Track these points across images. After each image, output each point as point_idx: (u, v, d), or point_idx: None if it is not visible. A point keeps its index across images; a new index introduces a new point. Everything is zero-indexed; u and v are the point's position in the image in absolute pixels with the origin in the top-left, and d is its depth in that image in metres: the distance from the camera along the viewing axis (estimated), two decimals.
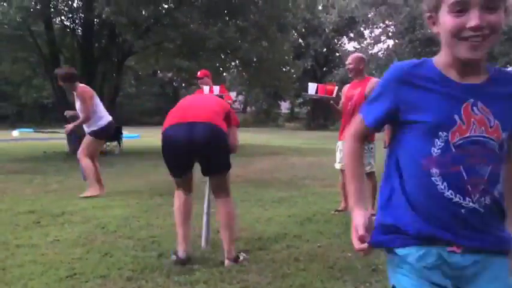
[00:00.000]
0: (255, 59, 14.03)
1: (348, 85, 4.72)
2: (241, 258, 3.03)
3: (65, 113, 6.01)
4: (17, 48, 11.90)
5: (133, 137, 17.70)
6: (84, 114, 5.56)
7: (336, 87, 4.46)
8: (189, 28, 11.55)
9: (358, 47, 37.70)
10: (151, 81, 37.67)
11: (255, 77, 15.69)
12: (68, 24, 12.52)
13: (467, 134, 1.06)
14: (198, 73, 6.60)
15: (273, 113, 42.61)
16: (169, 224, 4.05)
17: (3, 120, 29.16)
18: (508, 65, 25.02)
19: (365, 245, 1.15)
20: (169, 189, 5.87)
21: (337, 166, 4.69)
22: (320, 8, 35.21)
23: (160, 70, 26.15)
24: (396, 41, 33.16)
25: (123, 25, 10.07)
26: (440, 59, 1.13)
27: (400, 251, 1.14)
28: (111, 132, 6.18)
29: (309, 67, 35.60)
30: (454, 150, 1.07)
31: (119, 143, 12.97)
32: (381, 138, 4.45)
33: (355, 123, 1.27)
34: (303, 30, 36.62)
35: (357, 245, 1.18)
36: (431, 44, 31.34)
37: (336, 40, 39.25)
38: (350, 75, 4.66)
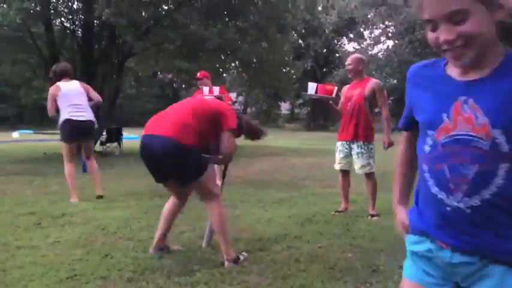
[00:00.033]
0: (254, 60, 14.04)
1: (348, 86, 4.72)
2: (241, 258, 3.03)
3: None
4: (17, 50, 11.92)
5: (133, 138, 17.68)
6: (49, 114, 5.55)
7: (336, 88, 4.46)
8: (189, 29, 11.56)
9: (358, 47, 37.74)
10: (152, 83, 37.69)
11: (255, 77, 15.70)
12: (68, 25, 12.53)
13: (452, 133, 1.05)
14: (198, 74, 6.61)
15: (273, 114, 42.67)
16: None
17: (3, 122, 29.18)
18: None
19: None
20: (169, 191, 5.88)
21: (337, 167, 4.69)
22: (320, 8, 35.27)
23: (160, 71, 26.18)
24: (396, 41, 33.19)
25: (123, 26, 10.08)
26: None
27: (407, 237, 1.28)
28: (73, 132, 5.38)
29: (308, 68, 35.64)
30: (440, 148, 1.08)
31: (119, 144, 12.97)
32: (381, 139, 4.46)
33: None
34: (303, 31, 36.67)
35: (403, 235, 1.34)
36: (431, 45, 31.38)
37: (335, 41, 39.32)
38: (349, 76, 4.66)
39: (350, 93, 4.54)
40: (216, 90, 6.01)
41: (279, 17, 13.65)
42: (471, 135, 1.03)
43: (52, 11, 11.14)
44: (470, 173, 1.02)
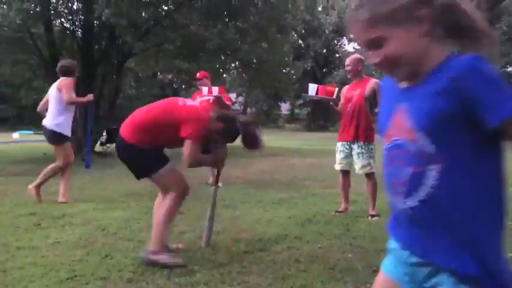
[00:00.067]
0: (254, 60, 14.05)
1: (347, 86, 4.72)
2: (165, 258, 2.94)
3: None
4: (17, 51, 11.91)
5: None
6: None
7: (336, 89, 4.46)
8: (189, 30, 11.57)
9: (358, 47, 37.73)
10: (151, 83, 37.62)
11: (255, 78, 15.71)
12: (68, 26, 12.53)
13: (393, 138, 1.10)
14: (198, 74, 6.61)
15: (273, 114, 42.67)
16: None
17: (3, 123, 29.18)
18: (508, 65, 25.06)
19: None
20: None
21: (337, 167, 4.69)
22: (320, 9, 35.28)
23: (160, 72, 26.18)
24: None
25: (123, 27, 10.09)
26: None
27: None
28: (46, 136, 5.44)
29: (308, 68, 35.64)
30: (386, 153, 1.13)
31: None
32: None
33: None
34: (303, 31, 36.68)
35: None
36: None
37: (335, 41, 39.33)
38: (349, 77, 4.67)
39: (350, 94, 4.54)
40: (215, 90, 6.02)
41: (279, 18, 13.66)
42: (404, 139, 1.06)
43: (52, 12, 11.14)
44: (406, 176, 1.06)
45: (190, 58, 13.42)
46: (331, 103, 4.52)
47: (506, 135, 0.99)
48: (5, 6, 9.79)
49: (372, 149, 4.47)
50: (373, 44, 1.05)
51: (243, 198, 5.41)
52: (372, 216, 4.40)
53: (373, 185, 4.51)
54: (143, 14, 11.99)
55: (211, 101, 6.13)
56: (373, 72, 27.16)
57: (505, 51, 22.55)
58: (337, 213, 4.57)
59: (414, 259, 1.09)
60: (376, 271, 2.97)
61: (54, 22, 12.07)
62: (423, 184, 1.03)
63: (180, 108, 3.12)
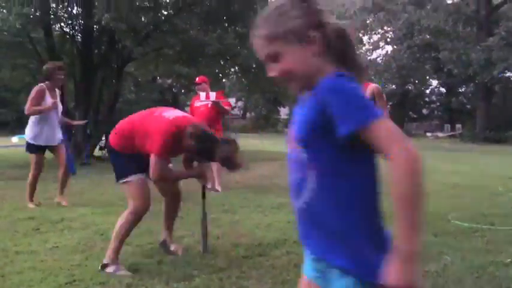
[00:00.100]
0: (254, 65, 14.05)
1: None
2: (114, 270, 2.93)
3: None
4: (16, 55, 11.92)
5: None
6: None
7: None
8: (189, 34, 11.58)
9: (357, 52, 37.81)
10: (151, 88, 37.68)
11: (254, 83, 15.70)
12: (68, 30, 12.54)
13: (290, 148, 1.23)
14: (197, 79, 6.62)
15: (272, 119, 42.67)
16: None
17: (2, 127, 29.15)
18: (507, 70, 25.10)
19: None
20: None
21: None
22: None
23: (159, 76, 26.21)
24: (395, 46, 33.30)
25: (122, 31, 10.10)
26: None
27: None
28: None
29: None
30: (288, 161, 1.25)
31: None
32: None
33: None
34: None
35: None
36: (429, 50, 31.48)
37: None
38: None
39: None
40: (213, 95, 6.02)
41: None
42: (294, 149, 1.20)
43: (52, 16, 11.15)
44: (296, 181, 1.19)
45: (189, 63, 13.44)
46: None
47: (362, 143, 1.05)
48: (4, 11, 9.82)
49: None
50: (271, 59, 1.18)
51: (242, 203, 5.41)
52: None
53: None
54: (143, 19, 12.02)
55: (209, 105, 6.14)
56: (372, 78, 27.21)
57: (504, 57, 22.54)
58: None
59: (312, 255, 1.21)
60: None
61: (54, 27, 12.08)
62: (305, 188, 1.16)
63: (153, 118, 3.05)
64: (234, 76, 18.62)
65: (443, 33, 27.59)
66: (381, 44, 36.00)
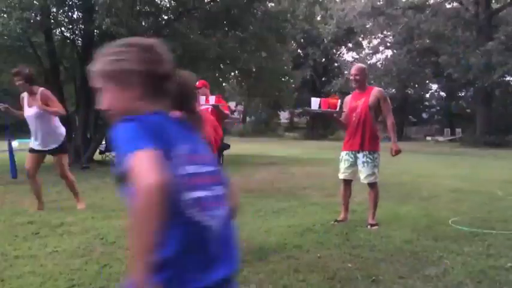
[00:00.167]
0: (254, 69, 14.09)
1: (350, 96, 4.71)
2: None
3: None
4: (17, 60, 11.93)
5: None
6: (59, 110, 5.13)
7: (339, 100, 4.44)
8: (189, 39, 11.61)
9: (356, 57, 37.91)
10: None
11: (255, 87, 15.75)
12: (68, 35, 12.57)
13: None
14: (197, 83, 6.62)
15: (272, 123, 42.70)
16: None
17: (2, 131, 29.20)
18: (506, 75, 25.13)
19: None
20: None
21: (341, 176, 4.66)
22: (318, 18, 35.43)
23: None
24: (394, 51, 33.36)
25: (123, 36, 10.10)
26: None
27: None
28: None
29: (307, 77, 35.74)
30: None
31: None
32: (388, 147, 4.44)
33: None
34: (302, 40, 36.81)
35: None
36: (429, 54, 31.54)
37: (334, 50, 39.48)
38: (354, 86, 4.63)
39: (354, 104, 4.52)
40: (212, 99, 6.02)
41: (279, 27, 13.72)
42: None
43: (52, 21, 11.18)
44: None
45: (190, 67, 13.44)
46: (334, 115, 4.51)
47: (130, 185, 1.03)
48: (5, 15, 9.82)
49: (376, 158, 4.46)
50: (99, 92, 1.25)
51: (242, 207, 5.39)
52: (372, 225, 4.39)
53: (375, 194, 4.50)
54: (143, 24, 12.05)
55: (209, 109, 6.14)
56: (372, 82, 27.28)
57: (503, 61, 22.56)
58: (336, 223, 4.55)
59: None
60: (375, 281, 2.99)
61: (55, 31, 12.11)
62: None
63: None
64: (234, 80, 18.66)
65: (443, 37, 27.65)
66: (381, 48, 36.05)
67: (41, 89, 5.19)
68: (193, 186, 1.14)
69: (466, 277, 2.92)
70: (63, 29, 12.32)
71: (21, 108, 5.30)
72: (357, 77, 4.52)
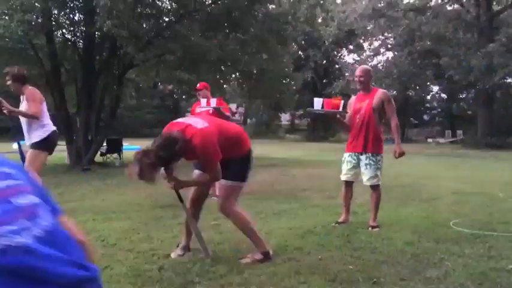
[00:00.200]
0: (255, 71, 14.10)
1: (354, 97, 4.70)
2: None
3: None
4: (18, 62, 11.94)
5: (134, 148, 17.69)
6: (33, 112, 4.96)
7: (342, 101, 4.41)
8: (190, 41, 11.63)
9: (357, 58, 37.91)
10: (152, 93, 37.80)
11: (256, 88, 15.77)
12: (70, 37, 12.60)
13: None
14: (198, 85, 6.63)
15: (273, 125, 42.74)
16: (169, 236, 4.05)
17: (4, 133, 29.22)
18: (507, 77, 25.10)
19: None
20: (169, 202, 5.87)
21: (343, 178, 4.64)
22: (319, 20, 35.47)
23: (161, 82, 26.26)
24: (395, 53, 33.34)
25: (124, 38, 10.14)
26: None
27: None
28: (55, 143, 5.27)
29: (308, 79, 35.76)
30: None
31: (119, 155, 12.98)
32: (392, 149, 4.43)
33: None
34: (303, 42, 36.85)
35: None
36: (430, 56, 31.53)
37: (335, 52, 39.50)
38: (358, 87, 4.61)
39: (358, 106, 4.51)
40: (213, 101, 6.03)
41: (280, 29, 13.73)
42: None
43: (53, 23, 11.21)
44: None
45: (191, 69, 13.48)
46: (338, 116, 4.49)
47: None
48: (6, 18, 9.85)
49: (379, 160, 4.44)
50: None
51: (243, 209, 5.39)
52: (373, 227, 4.38)
53: (377, 196, 4.49)
54: (144, 26, 12.07)
55: (210, 112, 6.15)
56: (373, 84, 27.34)
57: (504, 63, 22.54)
58: (337, 225, 4.55)
59: None
60: (376, 283, 2.98)
61: (56, 33, 12.14)
62: None
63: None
64: (235, 82, 18.68)
65: (444, 39, 27.64)
66: (382, 50, 36.03)
67: (29, 88, 5.06)
68: None
69: (467, 279, 2.91)
70: (64, 31, 12.35)
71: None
72: (362, 79, 4.51)
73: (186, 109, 30.08)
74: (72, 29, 12.27)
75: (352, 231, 4.29)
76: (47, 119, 5.12)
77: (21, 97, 5.18)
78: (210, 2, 13.10)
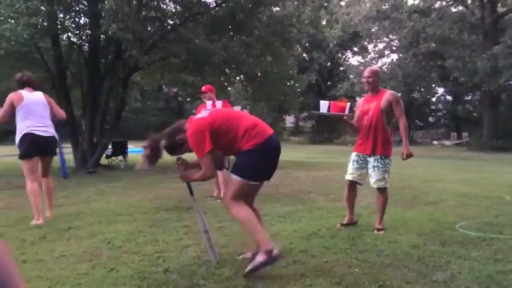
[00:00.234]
0: (259, 74, 14.11)
1: (362, 99, 4.69)
2: None
3: None
4: (24, 65, 12.03)
5: (139, 151, 17.74)
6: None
7: (348, 103, 4.39)
8: (194, 43, 11.67)
9: (362, 61, 37.85)
10: (157, 96, 37.95)
11: (260, 91, 15.76)
12: (75, 40, 12.68)
13: None
14: (203, 88, 6.65)
15: (277, 127, 42.71)
16: (175, 239, 4.05)
17: (10, 136, 29.42)
18: None
19: None
20: (175, 204, 5.89)
21: (348, 177, 4.59)
22: (324, 23, 35.47)
23: (165, 85, 26.30)
24: (400, 55, 33.29)
25: (129, 41, 10.19)
26: None
27: None
28: (36, 147, 4.94)
29: (313, 81, 35.75)
30: None
31: (125, 158, 13.03)
32: (399, 151, 4.41)
33: None
34: (307, 44, 36.87)
35: None
36: (435, 58, 31.46)
37: (340, 54, 39.50)
38: (367, 88, 4.58)
39: (366, 107, 4.49)
40: (219, 104, 6.04)
41: (284, 31, 13.74)
42: None
43: (59, 27, 11.27)
44: None
45: (195, 71, 13.51)
46: (345, 118, 4.48)
47: None
48: (12, 21, 9.91)
49: (388, 163, 4.41)
50: None
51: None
52: (378, 230, 4.37)
53: (384, 199, 4.47)
54: (149, 29, 12.12)
55: None
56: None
57: (510, 65, 22.44)
58: (342, 226, 4.53)
59: None
60: (382, 286, 2.97)
61: (61, 37, 12.22)
62: None
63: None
64: (240, 84, 18.69)
65: (449, 41, 27.58)
66: (386, 52, 36.00)
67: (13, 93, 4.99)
68: None
69: (473, 282, 2.90)
70: (70, 34, 12.43)
71: None
72: (370, 79, 4.49)
73: (191, 111, 30.09)
74: (77, 32, 12.35)
75: (357, 234, 4.28)
76: (21, 124, 4.91)
77: None
78: (214, 4, 13.14)
